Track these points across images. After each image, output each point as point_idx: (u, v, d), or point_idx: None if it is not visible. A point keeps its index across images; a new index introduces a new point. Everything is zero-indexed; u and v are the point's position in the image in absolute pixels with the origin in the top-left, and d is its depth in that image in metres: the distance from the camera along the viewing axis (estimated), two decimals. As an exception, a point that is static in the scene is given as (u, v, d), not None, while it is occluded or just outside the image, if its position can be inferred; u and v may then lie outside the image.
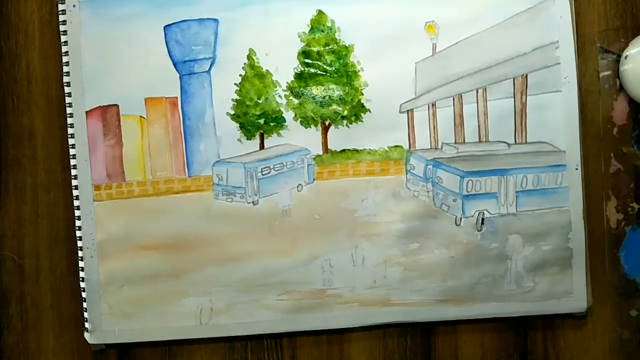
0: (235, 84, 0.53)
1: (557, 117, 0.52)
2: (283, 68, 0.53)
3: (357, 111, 0.53)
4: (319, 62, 0.53)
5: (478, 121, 0.53)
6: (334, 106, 0.53)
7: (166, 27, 0.53)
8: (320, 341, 0.54)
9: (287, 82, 0.53)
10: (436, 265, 0.53)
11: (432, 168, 0.53)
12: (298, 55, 0.53)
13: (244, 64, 0.53)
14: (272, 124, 0.53)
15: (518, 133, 0.53)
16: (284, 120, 0.53)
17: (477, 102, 0.53)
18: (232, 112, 0.53)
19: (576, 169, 0.52)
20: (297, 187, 0.53)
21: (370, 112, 0.53)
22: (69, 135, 0.53)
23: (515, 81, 0.52)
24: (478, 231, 0.53)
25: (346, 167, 0.53)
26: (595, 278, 0.53)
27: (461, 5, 0.52)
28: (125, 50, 0.53)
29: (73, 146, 0.53)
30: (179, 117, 0.53)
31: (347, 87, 0.53)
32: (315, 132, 0.53)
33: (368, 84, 0.53)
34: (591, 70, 0.53)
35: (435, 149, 0.53)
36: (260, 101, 0.53)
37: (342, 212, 0.53)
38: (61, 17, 0.53)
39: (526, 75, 0.52)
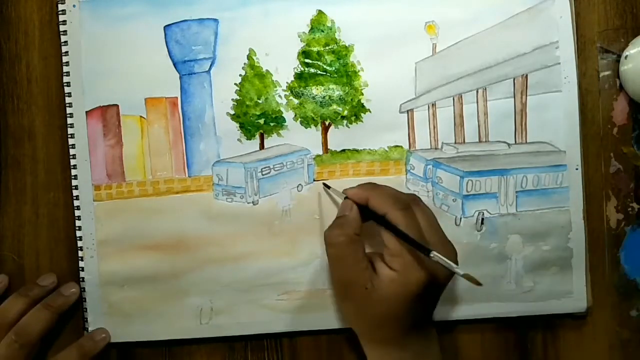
0: (235, 84, 0.53)
1: (557, 117, 0.52)
2: (283, 68, 0.53)
3: (357, 111, 0.53)
4: (319, 62, 0.53)
5: (478, 121, 0.53)
6: (334, 106, 0.53)
7: (166, 27, 0.53)
8: (320, 341, 0.54)
9: (287, 82, 0.53)
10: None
11: (432, 168, 0.53)
12: (298, 55, 0.53)
13: (244, 64, 0.53)
14: (272, 124, 0.53)
15: (518, 133, 0.53)
16: (284, 120, 0.53)
17: (477, 102, 0.53)
18: (232, 112, 0.53)
19: (576, 169, 0.52)
20: (297, 187, 0.53)
21: (370, 112, 0.53)
22: (69, 135, 0.53)
23: (515, 81, 0.52)
24: (478, 231, 0.53)
25: (346, 167, 0.53)
26: (595, 278, 0.53)
27: (461, 5, 0.52)
28: (125, 50, 0.53)
29: (73, 146, 0.53)
30: (179, 117, 0.53)
31: (347, 87, 0.53)
32: (315, 132, 0.53)
33: (368, 84, 0.53)
34: (591, 70, 0.53)
35: (435, 149, 0.53)
36: (260, 101, 0.53)
37: (342, 212, 0.53)
38: (61, 17, 0.53)
39: (526, 75, 0.52)
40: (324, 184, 0.53)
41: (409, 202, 0.46)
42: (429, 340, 0.47)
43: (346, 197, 0.48)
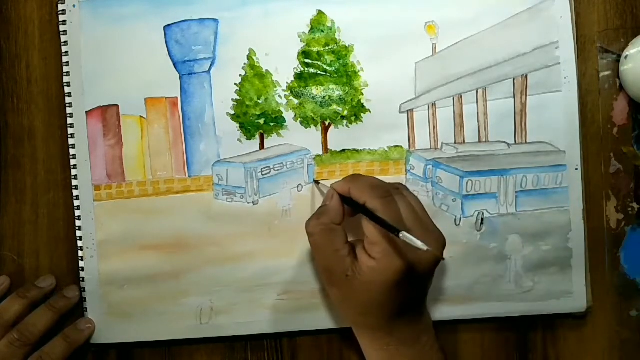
0: (235, 84, 0.53)
1: (557, 117, 0.52)
2: (283, 68, 0.53)
3: (357, 111, 0.53)
4: (319, 62, 0.53)
5: (478, 121, 0.53)
6: (334, 106, 0.53)
7: (166, 27, 0.53)
8: (320, 341, 0.54)
9: (287, 82, 0.53)
10: (436, 265, 0.53)
11: (432, 168, 0.53)
12: (298, 55, 0.53)
13: (244, 64, 0.53)
14: (272, 124, 0.53)
15: (518, 133, 0.53)
16: (284, 120, 0.53)
17: (477, 102, 0.53)
18: (232, 112, 0.53)
19: (576, 169, 0.52)
20: (297, 187, 0.53)
21: (370, 112, 0.53)
22: (69, 135, 0.53)
23: (515, 81, 0.52)
24: (477, 231, 0.53)
25: (346, 167, 0.53)
26: (595, 278, 0.53)
27: (461, 5, 0.52)
28: (125, 50, 0.53)
29: (73, 146, 0.53)
30: (179, 117, 0.53)
31: (347, 87, 0.53)
32: (315, 132, 0.53)
33: (368, 84, 0.53)
34: (591, 70, 0.53)
35: (435, 149, 0.53)
36: (260, 101, 0.53)
37: (342, 212, 0.53)
38: (61, 17, 0.53)
39: (526, 76, 0.52)
40: (315, 180, 0.53)
41: (390, 191, 0.46)
42: (419, 328, 0.47)
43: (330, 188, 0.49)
